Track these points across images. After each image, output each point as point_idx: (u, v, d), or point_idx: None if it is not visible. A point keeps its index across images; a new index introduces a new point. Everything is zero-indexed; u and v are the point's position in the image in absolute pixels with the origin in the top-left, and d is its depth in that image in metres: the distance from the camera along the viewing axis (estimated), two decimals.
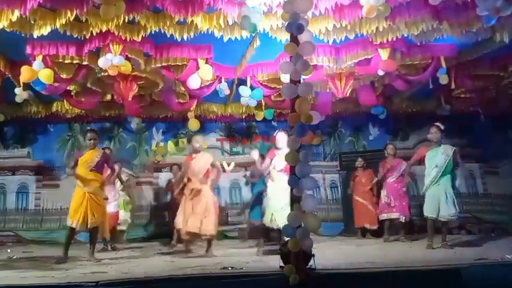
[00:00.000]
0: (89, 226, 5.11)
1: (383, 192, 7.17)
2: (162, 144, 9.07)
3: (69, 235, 5.25)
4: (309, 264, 3.39)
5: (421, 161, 6.01)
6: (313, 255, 3.41)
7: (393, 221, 7.03)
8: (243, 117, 8.89)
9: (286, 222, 3.46)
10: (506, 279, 3.58)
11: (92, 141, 5.34)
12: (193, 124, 7.92)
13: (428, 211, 5.62)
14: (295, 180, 3.45)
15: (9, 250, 6.86)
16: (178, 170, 7.11)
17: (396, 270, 3.80)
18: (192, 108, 7.84)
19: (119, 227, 7.25)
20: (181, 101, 7.60)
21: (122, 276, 3.84)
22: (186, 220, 5.35)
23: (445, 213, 5.49)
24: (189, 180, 5.51)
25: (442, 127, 5.72)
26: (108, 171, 6.10)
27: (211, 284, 3.53)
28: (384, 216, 7.07)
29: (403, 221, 6.99)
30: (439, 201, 5.50)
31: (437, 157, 5.60)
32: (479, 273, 3.65)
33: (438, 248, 5.49)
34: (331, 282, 3.49)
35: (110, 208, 6.38)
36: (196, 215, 5.26)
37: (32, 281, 3.66)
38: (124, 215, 7.25)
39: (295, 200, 3.48)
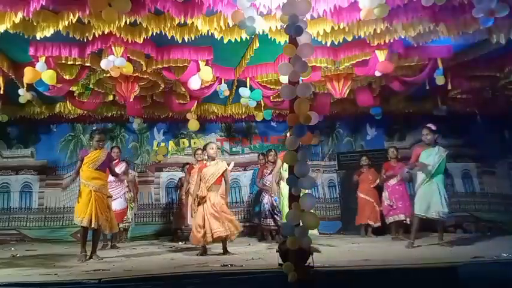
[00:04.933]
0: (97, 223, 5.17)
1: (385, 195, 7.20)
2: (163, 144, 9.17)
3: (83, 234, 5.32)
4: (307, 261, 3.41)
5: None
6: (311, 253, 3.44)
7: (399, 222, 7.07)
8: (243, 117, 8.95)
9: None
10: (502, 277, 3.62)
11: (101, 142, 5.46)
12: (193, 124, 7.98)
13: (419, 209, 5.57)
14: (293, 179, 3.51)
15: (12, 248, 6.93)
16: (190, 170, 7.19)
17: (393, 268, 3.83)
18: (192, 109, 7.90)
19: (123, 225, 7.33)
20: (182, 102, 7.67)
21: (124, 273, 3.89)
22: (194, 226, 5.37)
23: (437, 211, 5.44)
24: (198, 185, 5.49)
25: (433, 128, 5.70)
26: (123, 168, 6.46)
27: (211, 281, 3.55)
28: (390, 219, 7.12)
29: (409, 222, 6.98)
30: (431, 200, 5.48)
31: (431, 156, 5.61)
32: (475, 271, 3.68)
33: (435, 246, 5.54)
34: (329, 280, 3.53)
35: (117, 205, 6.51)
36: (208, 222, 5.25)
37: (36, 279, 3.69)
38: (128, 214, 7.32)
39: (293, 199, 3.51)
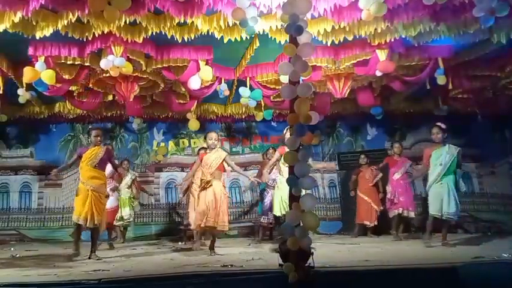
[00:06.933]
0: (95, 223, 5.16)
1: (388, 189, 7.27)
2: (162, 144, 9.16)
3: (76, 232, 5.33)
4: (308, 262, 3.39)
5: (420, 159, 6.08)
6: (312, 253, 3.42)
7: (401, 218, 7.10)
8: (243, 117, 8.94)
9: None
10: (502, 278, 3.61)
11: (99, 138, 5.41)
12: (193, 124, 7.98)
13: (433, 209, 5.65)
14: (294, 179, 3.49)
15: (12, 248, 6.93)
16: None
17: (394, 268, 3.83)
18: (192, 109, 7.90)
19: (122, 223, 7.31)
20: (182, 102, 7.66)
21: (124, 274, 3.88)
22: (197, 213, 5.39)
23: (446, 211, 5.52)
24: (202, 173, 5.53)
25: (443, 127, 5.77)
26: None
27: (211, 282, 3.54)
28: (391, 213, 7.16)
29: (412, 216, 7.08)
30: (442, 200, 5.54)
31: (442, 156, 5.65)
32: (476, 271, 3.68)
33: (436, 247, 5.53)
34: (330, 280, 3.52)
35: (108, 203, 6.44)
36: (208, 208, 5.25)
37: (35, 279, 3.68)
38: (129, 214, 7.31)
39: (293, 199, 3.49)
